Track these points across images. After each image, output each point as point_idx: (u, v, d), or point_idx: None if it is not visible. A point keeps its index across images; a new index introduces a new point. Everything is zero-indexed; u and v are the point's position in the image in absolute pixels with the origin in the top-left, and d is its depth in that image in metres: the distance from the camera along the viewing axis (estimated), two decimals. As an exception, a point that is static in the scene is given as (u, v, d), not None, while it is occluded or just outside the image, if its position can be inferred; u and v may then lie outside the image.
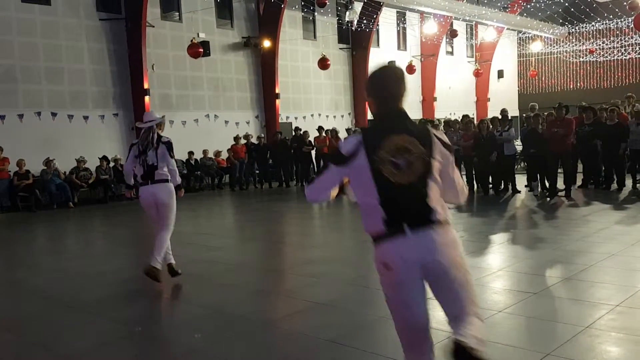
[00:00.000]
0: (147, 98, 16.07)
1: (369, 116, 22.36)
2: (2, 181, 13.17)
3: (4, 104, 13.97)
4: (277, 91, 19.32)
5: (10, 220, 12.24)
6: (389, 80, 2.48)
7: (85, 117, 15.33)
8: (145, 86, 16.01)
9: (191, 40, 16.10)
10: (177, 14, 17.49)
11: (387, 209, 2.35)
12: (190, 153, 16.57)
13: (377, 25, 22.42)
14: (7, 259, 8.42)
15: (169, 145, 5.99)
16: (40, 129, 14.45)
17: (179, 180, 6.10)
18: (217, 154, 17.21)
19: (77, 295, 5.70)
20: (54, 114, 14.82)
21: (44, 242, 10.02)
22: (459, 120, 14.25)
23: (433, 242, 2.35)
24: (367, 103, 2.55)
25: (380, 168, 2.32)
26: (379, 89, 2.46)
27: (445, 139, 2.49)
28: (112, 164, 14.96)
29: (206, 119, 17.97)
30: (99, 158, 14.67)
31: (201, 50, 16.00)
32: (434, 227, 2.35)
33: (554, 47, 29.15)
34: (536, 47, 27.89)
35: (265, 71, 19.38)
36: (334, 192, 2.60)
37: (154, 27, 16.40)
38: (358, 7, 21.31)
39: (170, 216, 5.86)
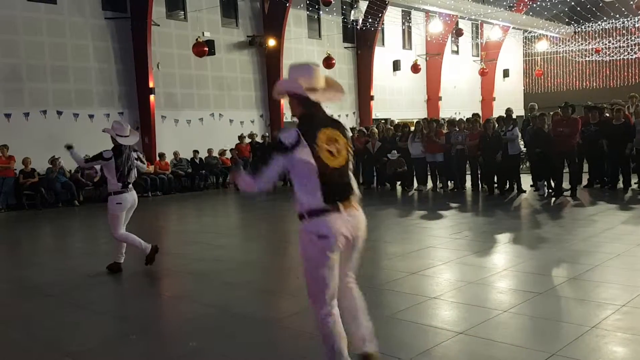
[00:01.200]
0: (152, 97, 16.11)
1: (374, 116, 22.36)
2: (8, 179, 13.22)
3: (10, 102, 14.03)
4: (281, 90, 19.29)
5: (15, 218, 12.30)
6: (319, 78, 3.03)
7: (91, 116, 15.37)
8: (151, 85, 16.04)
9: (196, 39, 16.14)
10: (182, 12, 17.51)
11: (325, 189, 2.86)
12: (195, 152, 16.60)
13: (382, 24, 22.39)
14: (12, 257, 8.45)
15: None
16: (46, 127, 14.50)
17: None
18: (222, 152, 17.23)
19: (83, 293, 5.72)
20: (59, 113, 14.87)
21: (49, 241, 10.06)
22: (465, 119, 14.20)
23: (358, 220, 3.02)
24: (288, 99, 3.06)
25: (319, 155, 2.82)
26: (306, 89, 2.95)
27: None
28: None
29: (211, 117, 17.99)
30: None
31: (206, 49, 16.04)
32: (357, 206, 3.02)
33: (559, 46, 29.05)
34: (542, 46, 27.80)
35: (270, 70, 19.39)
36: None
37: (159, 25, 16.42)
38: (363, 5, 21.30)
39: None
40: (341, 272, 3.09)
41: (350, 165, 3.02)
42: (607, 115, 11.93)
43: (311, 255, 2.96)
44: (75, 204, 13.76)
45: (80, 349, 4.16)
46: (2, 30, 13.82)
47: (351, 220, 2.96)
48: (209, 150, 16.78)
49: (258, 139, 17.28)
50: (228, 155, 17.09)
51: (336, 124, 3.03)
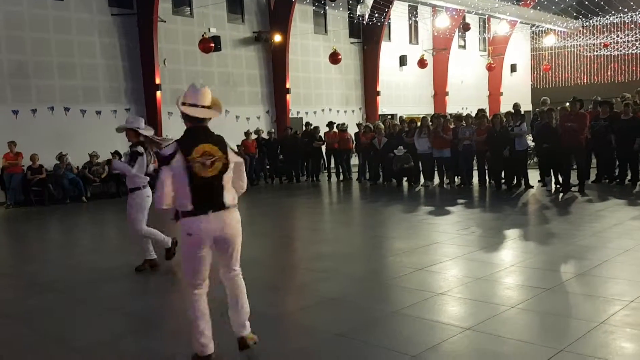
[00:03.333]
0: (158, 93, 16.12)
1: (380, 111, 22.31)
2: (16, 175, 13.29)
3: (17, 99, 14.09)
4: (287, 86, 19.29)
5: (23, 214, 12.36)
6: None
7: (98, 112, 15.41)
8: (157, 81, 16.06)
9: (202, 35, 16.13)
10: (189, 8, 17.50)
11: (194, 194, 3.39)
12: (202, 148, 16.61)
13: (389, 19, 22.28)
14: (20, 253, 8.51)
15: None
16: (53, 123, 14.55)
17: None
18: (228, 148, 17.20)
19: (89, 289, 5.74)
20: (66, 109, 14.92)
21: (57, 236, 10.10)
22: (472, 114, 14.13)
23: (225, 221, 3.50)
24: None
25: (192, 165, 3.35)
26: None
27: (235, 147, 3.59)
28: (124, 159, 15.02)
29: (217, 114, 17.97)
30: (111, 153, 14.72)
31: (212, 45, 16.02)
32: (228, 209, 3.51)
33: (567, 40, 28.83)
34: (549, 40, 27.59)
35: (276, 66, 19.36)
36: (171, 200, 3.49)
37: (165, 22, 16.42)
38: (369, 0, 21.19)
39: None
40: (224, 265, 3.68)
41: (225, 177, 3.48)
42: (615, 110, 11.84)
43: (183, 249, 3.58)
44: (83, 200, 13.82)
45: (86, 345, 4.17)
46: (9, 26, 13.86)
47: (217, 222, 3.45)
48: (216, 146, 16.77)
49: (264, 135, 17.26)
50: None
51: (216, 141, 3.49)
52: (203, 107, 3.55)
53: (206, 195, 3.43)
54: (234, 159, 3.56)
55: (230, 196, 3.54)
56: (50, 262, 7.36)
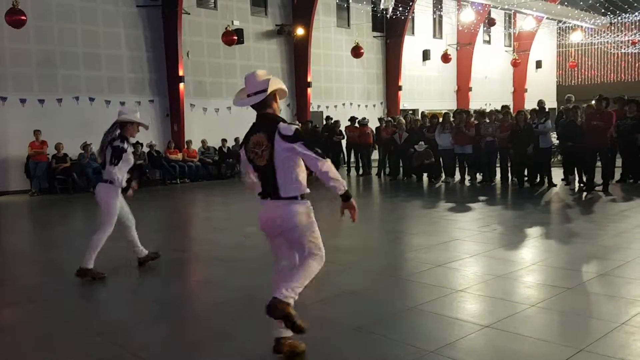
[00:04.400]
0: (181, 85, 16.26)
1: (401, 106, 22.21)
2: (41, 164, 13.55)
3: (43, 88, 14.33)
4: (309, 80, 19.30)
5: (47, 202, 12.60)
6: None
7: (122, 103, 15.54)
8: (180, 73, 16.18)
9: (225, 28, 16.20)
10: (213, 1, 17.59)
11: (259, 180, 3.54)
12: (223, 140, 16.73)
13: (413, 12, 22.13)
14: (45, 240, 8.67)
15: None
16: (78, 113, 14.78)
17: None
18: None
19: (113, 275, 5.83)
20: (91, 99, 15.13)
21: (80, 224, 10.27)
22: (495, 110, 13.97)
23: (275, 212, 3.47)
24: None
25: (248, 154, 3.51)
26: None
27: (286, 130, 3.31)
28: (146, 150, 15.25)
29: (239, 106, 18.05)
30: (133, 144, 14.90)
31: (235, 38, 16.09)
32: (279, 200, 3.43)
33: (594, 37, 28.31)
34: (576, 37, 27.12)
35: (297, 59, 19.38)
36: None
37: (189, 14, 16.53)
38: (393, -6, 21.05)
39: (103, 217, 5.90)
40: (291, 254, 3.70)
41: (275, 166, 3.38)
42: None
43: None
44: (106, 189, 14.02)
45: (111, 329, 4.25)
46: (37, 17, 14.08)
47: (267, 212, 3.50)
48: (237, 139, 16.88)
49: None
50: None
51: (265, 129, 3.40)
52: (248, 96, 3.49)
53: (262, 185, 3.52)
54: (281, 145, 3.32)
55: (287, 186, 3.41)
56: (72, 249, 7.48)
